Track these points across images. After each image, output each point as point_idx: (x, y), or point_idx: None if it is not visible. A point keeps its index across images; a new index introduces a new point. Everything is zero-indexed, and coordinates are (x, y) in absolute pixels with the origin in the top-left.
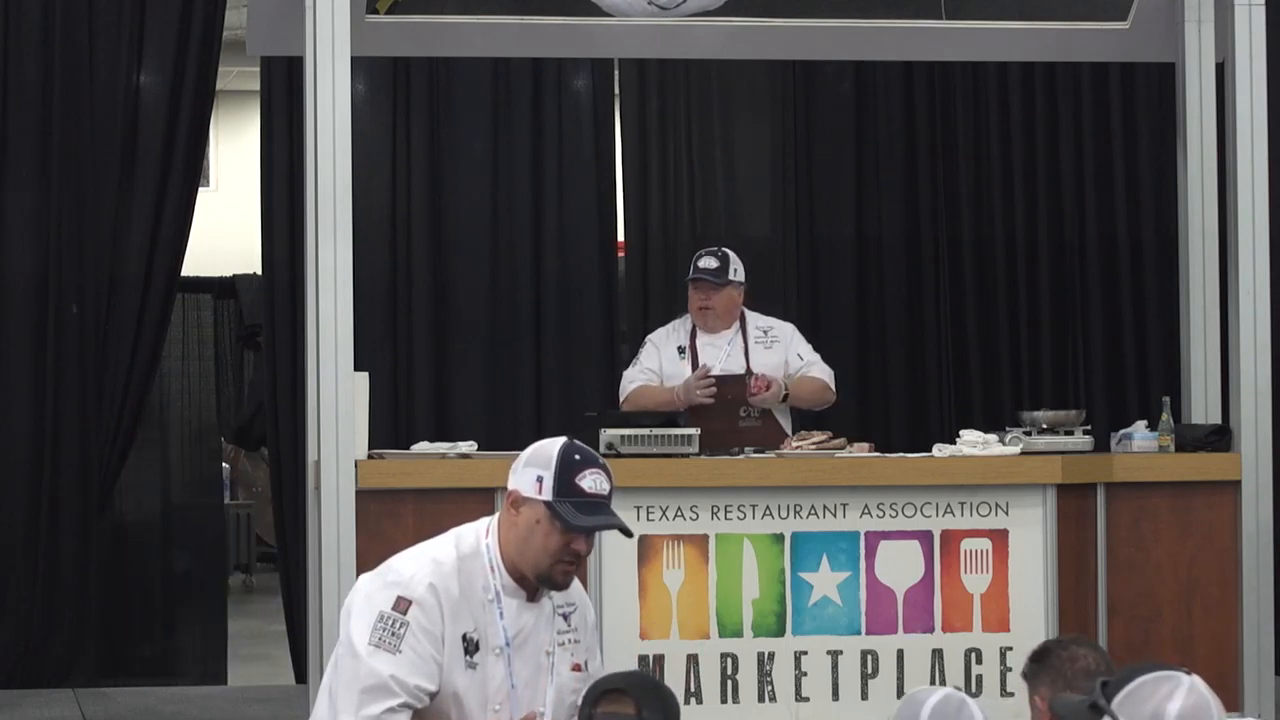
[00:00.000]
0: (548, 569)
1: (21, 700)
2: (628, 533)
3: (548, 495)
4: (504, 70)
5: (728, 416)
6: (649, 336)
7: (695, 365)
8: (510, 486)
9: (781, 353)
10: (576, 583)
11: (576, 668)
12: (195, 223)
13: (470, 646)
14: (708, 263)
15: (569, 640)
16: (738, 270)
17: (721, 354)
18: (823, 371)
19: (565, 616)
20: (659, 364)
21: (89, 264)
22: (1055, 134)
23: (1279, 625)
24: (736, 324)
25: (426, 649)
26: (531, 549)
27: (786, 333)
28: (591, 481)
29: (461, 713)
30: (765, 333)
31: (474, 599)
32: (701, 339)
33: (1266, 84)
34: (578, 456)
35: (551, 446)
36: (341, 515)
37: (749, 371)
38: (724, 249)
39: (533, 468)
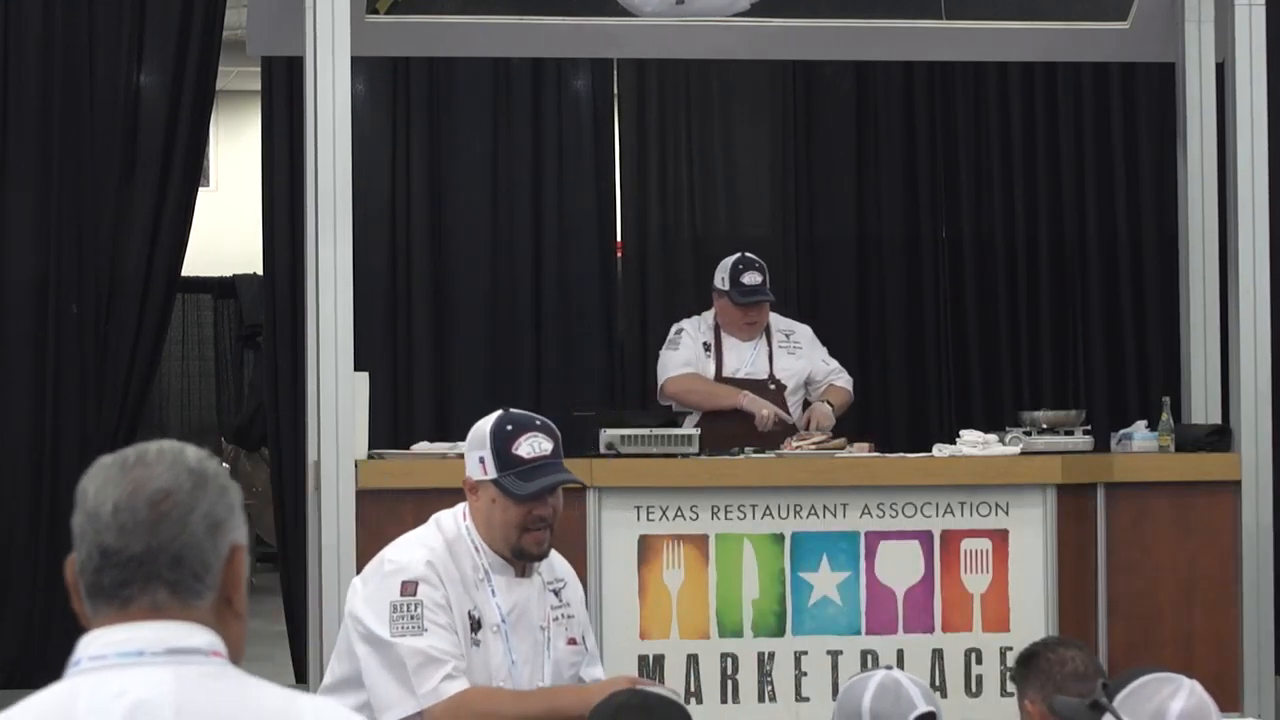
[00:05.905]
0: (517, 541)
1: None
2: (578, 483)
3: (492, 473)
4: (504, 70)
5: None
6: (682, 325)
7: (719, 365)
8: (465, 474)
9: (805, 359)
10: (562, 560)
11: (571, 641)
12: (195, 223)
13: (474, 624)
14: (753, 278)
15: (562, 615)
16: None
17: (747, 358)
18: (846, 380)
19: (556, 592)
20: (694, 354)
21: (89, 264)
22: (1055, 134)
23: (1279, 625)
24: None
25: (445, 619)
26: (497, 526)
27: (807, 337)
28: (529, 446)
29: None
30: (788, 337)
31: (467, 580)
32: (727, 341)
33: (1266, 84)
34: (509, 427)
35: (485, 425)
36: (341, 515)
37: (772, 378)
38: (755, 257)
39: (474, 450)
